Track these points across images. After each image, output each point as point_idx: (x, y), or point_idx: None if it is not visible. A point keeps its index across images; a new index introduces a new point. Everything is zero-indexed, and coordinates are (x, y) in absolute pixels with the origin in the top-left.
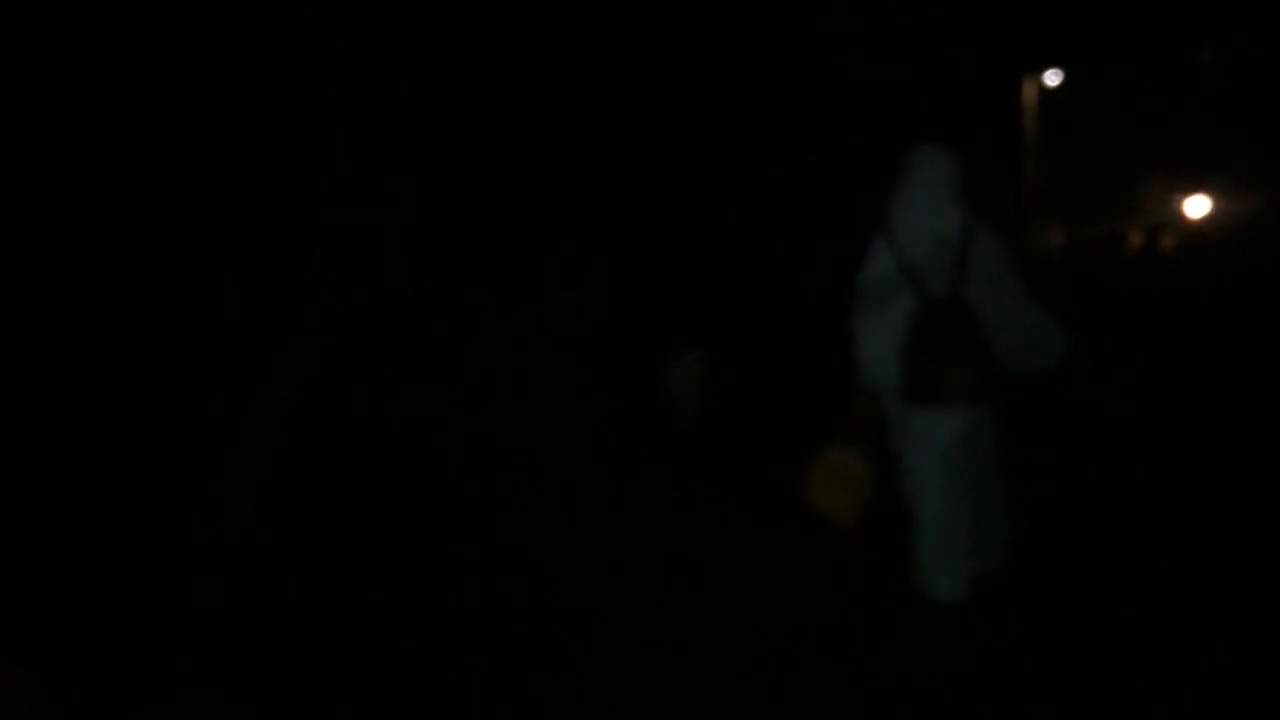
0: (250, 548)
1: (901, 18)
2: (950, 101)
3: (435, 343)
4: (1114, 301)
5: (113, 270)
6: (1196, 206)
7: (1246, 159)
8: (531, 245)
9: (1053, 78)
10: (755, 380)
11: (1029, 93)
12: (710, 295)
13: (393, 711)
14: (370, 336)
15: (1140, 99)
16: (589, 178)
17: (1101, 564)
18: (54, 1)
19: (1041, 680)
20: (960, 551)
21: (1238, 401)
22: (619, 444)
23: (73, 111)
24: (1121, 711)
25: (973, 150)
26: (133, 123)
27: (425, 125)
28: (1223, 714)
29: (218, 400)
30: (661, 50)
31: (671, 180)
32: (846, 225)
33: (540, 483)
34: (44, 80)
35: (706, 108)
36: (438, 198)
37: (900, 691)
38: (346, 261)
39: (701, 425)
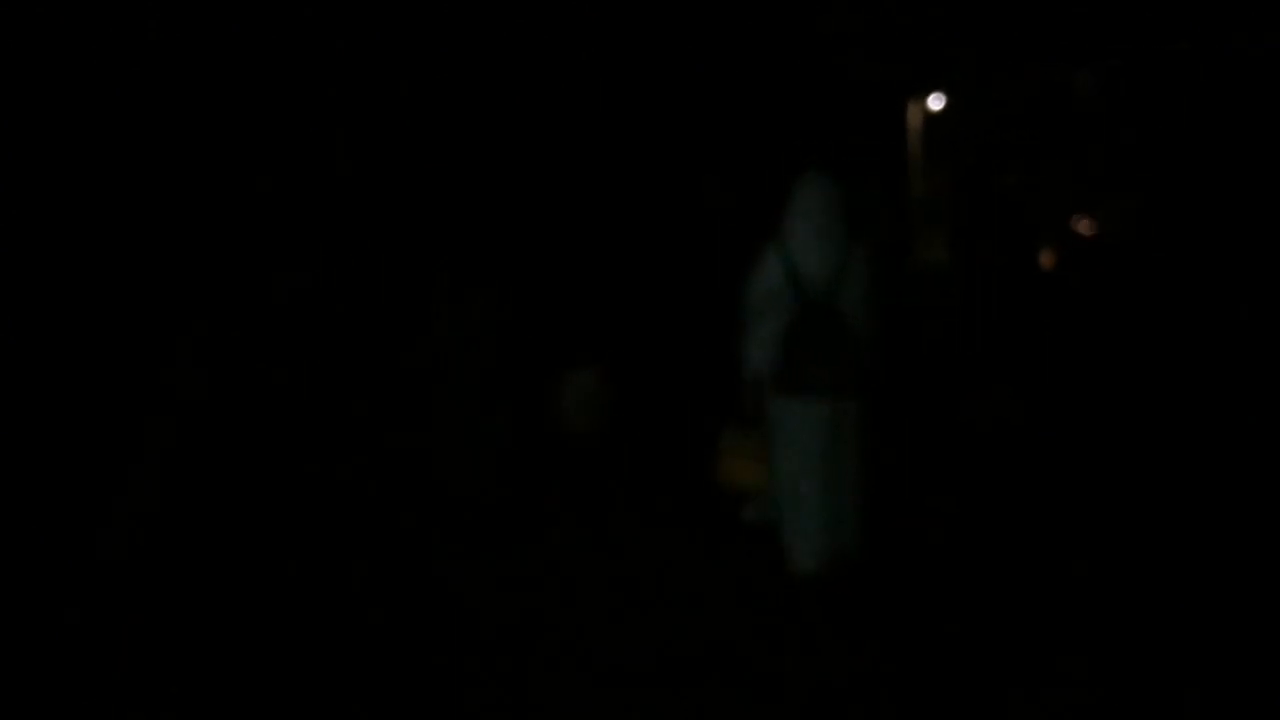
0: (148, 559)
1: (793, 45)
2: (838, 125)
3: (333, 358)
4: (1001, 316)
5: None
6: (1079, 226)
7: (1125, 179)
8: (427, 260)
9: (936, 101)
10: (649, 394)
11: (914, 116)
12: (605, 311)
13: None
14: (268, 350)
15: (1020, 121)
16: (484, 192)
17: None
18: None
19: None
20: (817, 522)
21: (1123, 412)
22: (518, 461)
23: None
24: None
25: (860, 172)
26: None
27: (324, 136)
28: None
29: (118, 411)
30: (551, 74)
31: (565, 196)
32: (737, 239)
33: (440, 498)
34: None
35: (596, 128)
36: (334, 210)
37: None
38: (243, 275)
39: (598, 439)
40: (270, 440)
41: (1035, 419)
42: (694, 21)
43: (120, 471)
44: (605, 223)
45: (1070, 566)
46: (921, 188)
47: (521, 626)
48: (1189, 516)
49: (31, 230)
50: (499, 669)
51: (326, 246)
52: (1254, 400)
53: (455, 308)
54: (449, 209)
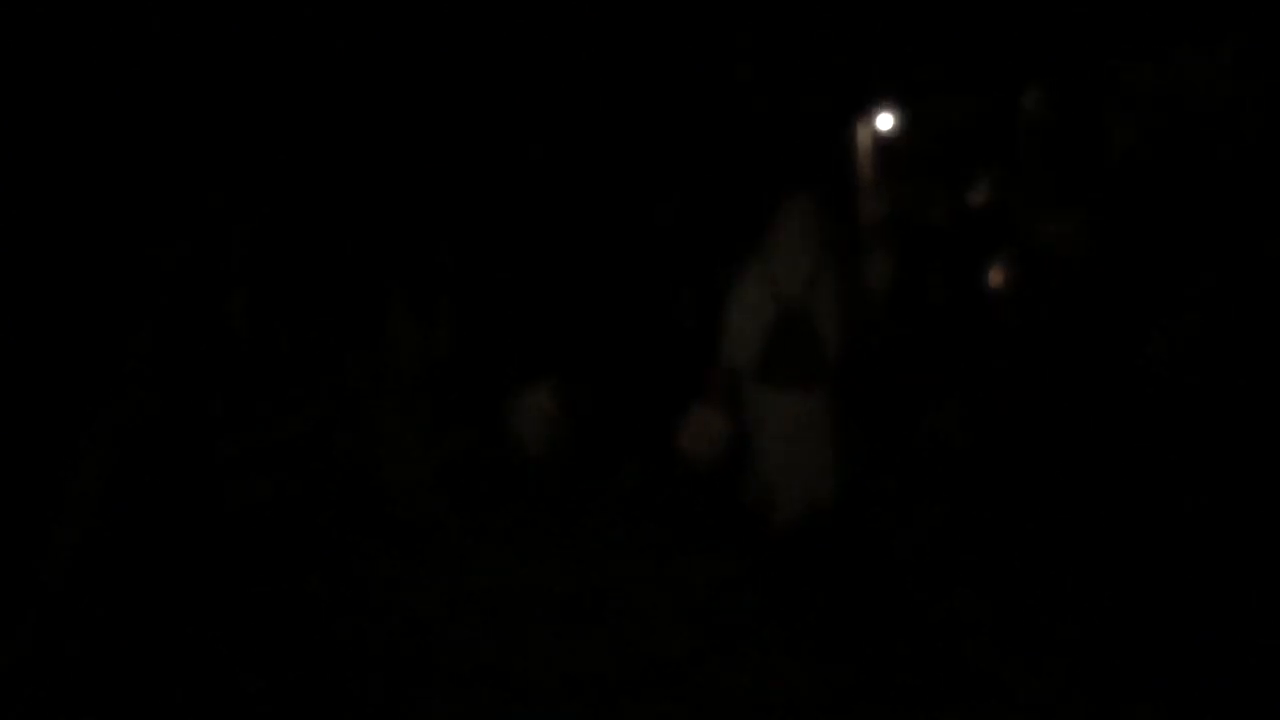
0: (91, 574)
1: (751, 70)
2: (792, 145)
3: (280, 375)
4: (951, 333)
5: None
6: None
7: (1072, 195)
8: (376, 276)
9: (884, 121)
10: (604, 411)
11: (863, 136)
12: (558, 327)
13: None
14: (215, 368)
15: (968, 140)
16: (434, 206)
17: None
18: None
19: None
20: (794, 491)
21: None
22: (468, 480)
23: None
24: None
25: (815, 190)
26: None
27: (266, 152)
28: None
29: (52, 426)
30: (509, 86)
31: (517, 210)
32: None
33: (388, 517)
34: None
35: (554, 141)
36: (281, 228)
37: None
38: (188, 293)
39: (552, 459)
40: (213, 454)
41: (985, 434)
42: (642, 45)
43: (62, 485)
44: (558, 238)
45: (1023, 570)
46: (871, 208)
47: (465, 643)
48: (1139, 525)
49: None
50: (439, 685)
51: (276, 260)
52: (1202, 408)
53: (407, 323)
54: (403, 224)
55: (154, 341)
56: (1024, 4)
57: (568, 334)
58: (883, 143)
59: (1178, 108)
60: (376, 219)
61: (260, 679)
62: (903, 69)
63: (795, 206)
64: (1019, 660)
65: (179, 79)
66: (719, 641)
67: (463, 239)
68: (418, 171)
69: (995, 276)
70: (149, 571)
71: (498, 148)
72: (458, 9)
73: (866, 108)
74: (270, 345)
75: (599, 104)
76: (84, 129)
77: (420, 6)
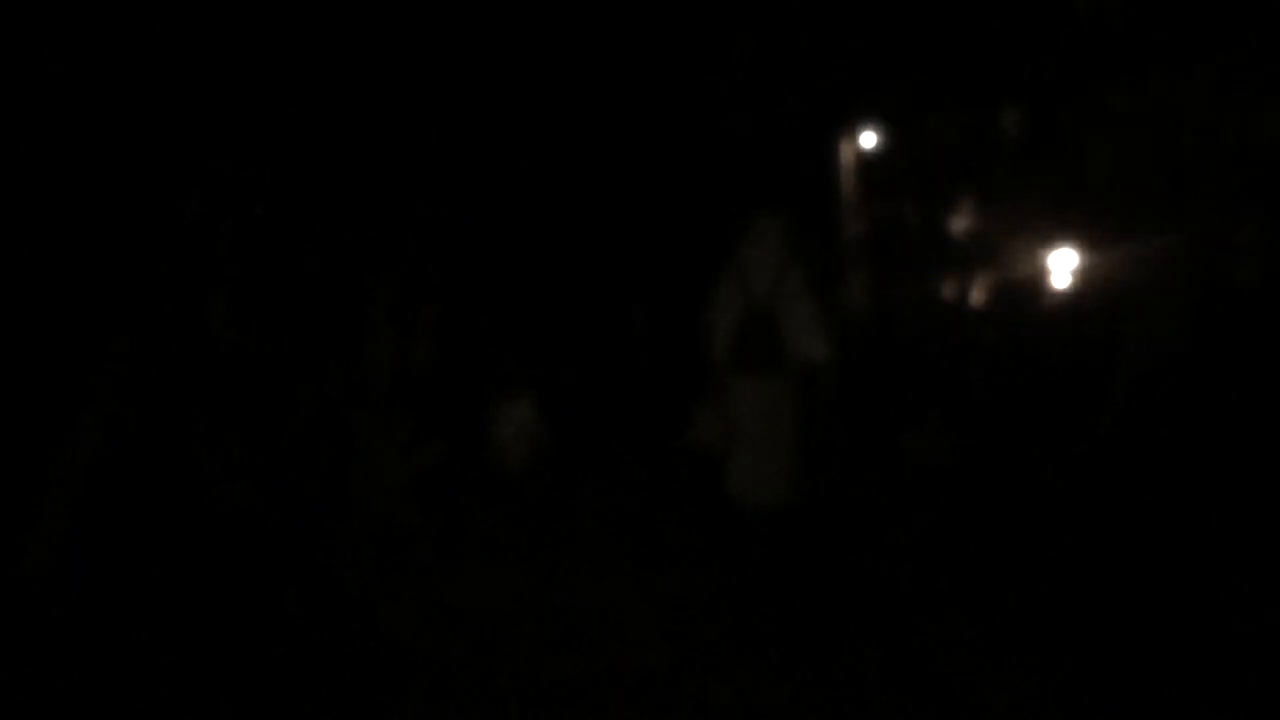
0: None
1: (733, 86)
2: (773, 162)
3: (260, 384)
4: (928, 348)
5: None
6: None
7: (1045, 217)
8: (356, 287)
9: (868, 139)
10: (584, 422)
11: (846, 154)
12: (539, 339)
13: None
14: (194, 376)
15: (949, 159)
16: (416, 217)
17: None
18: None
19: None
20: (762, 467)
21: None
22: (448, 491)
23: None
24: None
25: (789, 205)
26: None
27: (248, 159)
28: None
29: (30, 434)
30: (493, 101)
31: (499, 222)
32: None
33: (366, 530)
34: None
35: (538, 151)
36: (263, 236)
37: None
38: (168, 300)
39: (532, 470)
40: (191, 463)
41: (965, 450)
42: (627, 65)
43: (40, 495)
44: (540, 251)
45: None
46: (853, 226)
47: (442, 654)
48: (1117, 538)
49: None
50: (416, 696)
51: (258, 269)
52: (1179, 424)
53: (388, 333)
54: (385, 235)
55: (133, 349)
56: (1005, 24)
57: (548, 346)
58: (865, 160)
59: (1156, 129)
60: (359, 229)
61: (237, 688)
62: (886, 88)
63: (766, 220)
64: (998, 674)
65: (162, 82)
66: (697, 654)
67: (445, 251)
68: (400, 182)
69: (975, 294)
70: (126, 580)
71: (480, 160)
72: (437, 27)
73: (849, 126)
74: (251, 354)
75: (587, 117)
76: (62, 132)
77: (402, 22)
